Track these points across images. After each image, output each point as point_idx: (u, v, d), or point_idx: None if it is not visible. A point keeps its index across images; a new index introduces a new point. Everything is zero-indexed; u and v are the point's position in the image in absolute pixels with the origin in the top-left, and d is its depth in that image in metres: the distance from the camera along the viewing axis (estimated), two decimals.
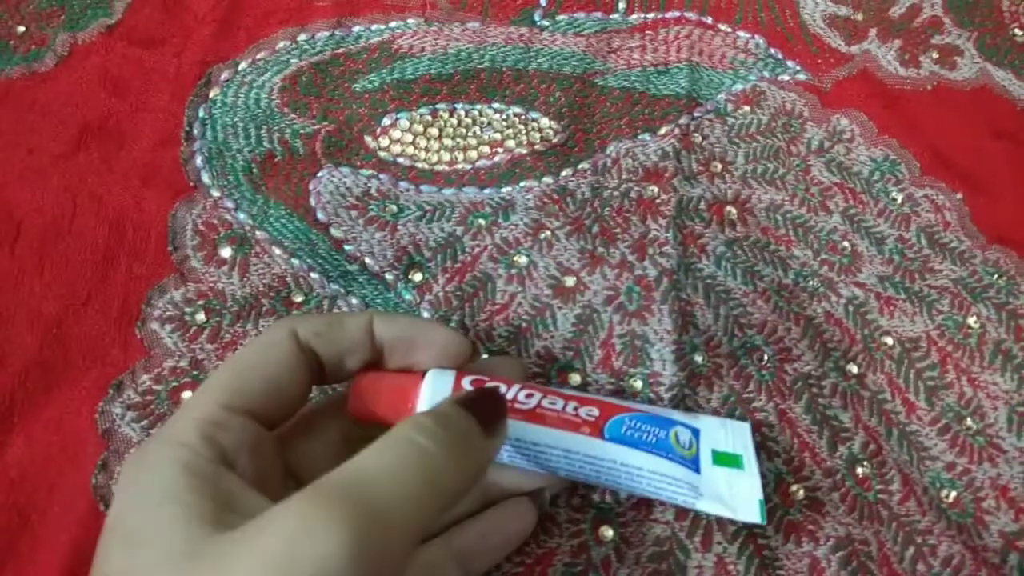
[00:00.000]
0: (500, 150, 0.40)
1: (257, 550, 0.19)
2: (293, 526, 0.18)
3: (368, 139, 0.40)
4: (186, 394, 0.32)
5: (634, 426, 0.28)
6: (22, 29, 0.43)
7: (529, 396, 0.28)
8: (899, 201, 0.39)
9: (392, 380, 0.28)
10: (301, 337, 0.26)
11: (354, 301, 0.35)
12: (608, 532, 0.30)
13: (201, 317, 0.34)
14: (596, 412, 0.28)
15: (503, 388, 0.28)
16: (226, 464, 0.22)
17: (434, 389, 0.28)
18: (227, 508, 0.21)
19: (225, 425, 0.23)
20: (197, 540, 0.20)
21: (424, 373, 0.28)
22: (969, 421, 0.33)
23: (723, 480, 0.28)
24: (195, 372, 0.33)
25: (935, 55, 0.45)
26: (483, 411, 0.24)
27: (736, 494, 0.28)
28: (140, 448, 0.23)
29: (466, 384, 0.28)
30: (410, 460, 0.21)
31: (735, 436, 0.29)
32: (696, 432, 0.29)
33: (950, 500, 0.32)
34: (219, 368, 0.26)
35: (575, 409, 0.28)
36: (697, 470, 0.28)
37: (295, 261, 0.36)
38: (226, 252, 0.36)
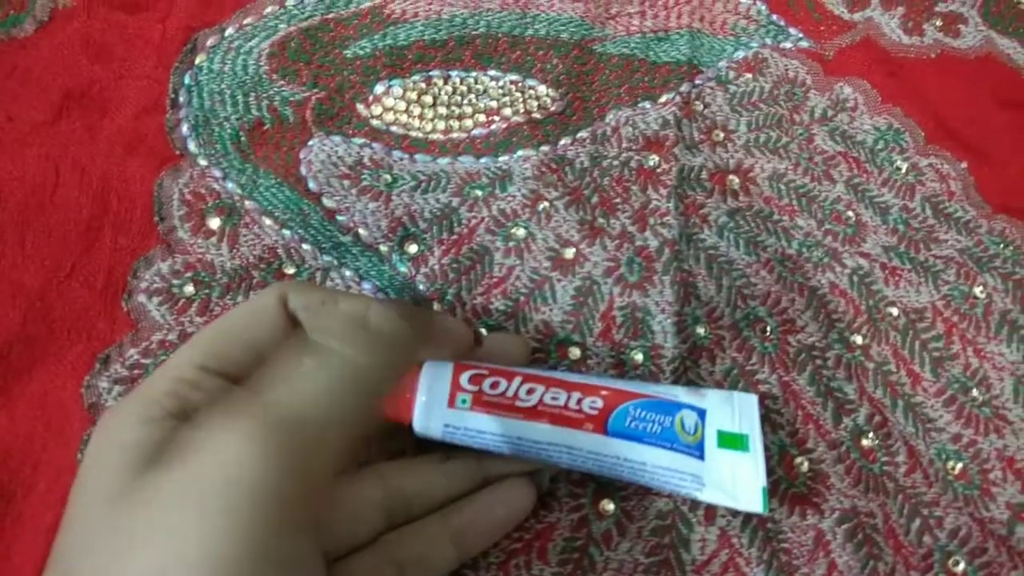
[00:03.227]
0: (496, 118, 0.39)
1: (176, 471, 0.19)
2: (204, 444, 0.19)
3: (360, 107, 0.39)
4: None
5: (638, 416, 0.27)
6: None
7: (530, 392, 0.27)
8: (903, 170, 0.38)
9: None
10: (290, 307, 0.25)
11: (347, 273, 0.34)
12: (609, 506, 0.30)
13: (190, 289, 0.33)
14: (600, 404, 0.27)
15: (503, 383, 0.27)
16: (187, 420, 0.22)
17: (432, 380, 0.27)
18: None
19: (197, 385, 0.22)
20: (135, 480, 0.19)
21: (421, 365, 0.27)
22: (975, 392, 0.33)
23: (727, 466, 0.27)
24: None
25: (939, 23, 0.44)
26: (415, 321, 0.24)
27: (739, 482, 0.27)
28: (114, 406, 0.23)
29: (464, 377, 0.27)
30: (328, 366, 0.21)
31: (742, 412, 0.29)
32: (702, 413, 0.28)
33: (956, 472, 0.31)
34: (203, 329, 0.25)
35: (578, 402, 0.27)
36: (701, 456, 0.27)
37: (286, 232, 0.35)
38: (214, 223, 0.35)
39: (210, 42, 0.40)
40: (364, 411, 0.22)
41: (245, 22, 0.41)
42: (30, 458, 0.29)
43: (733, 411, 0.29)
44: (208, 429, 0.19)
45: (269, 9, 0.41)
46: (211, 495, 0.18)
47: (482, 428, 0.27)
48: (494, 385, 0.27)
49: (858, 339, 0.34)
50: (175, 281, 0.33)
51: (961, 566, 0.29)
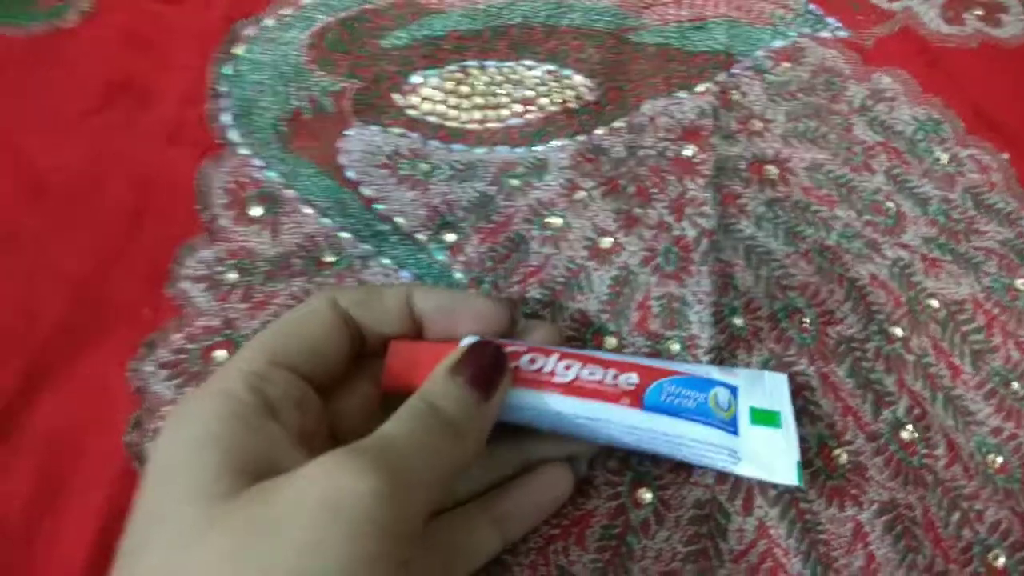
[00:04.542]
0: (532, 108, 0.39)
1: (300, 488, 0.20)
2: (334, 472, 0.20)
3: (397, 97, 0.39)
4: (218, 352, 0.32)
5: (673, 392, 0.28)
6: None
7: (568, 368, 0.28)
8: (944, 161, 0.38)
9: (426, 349, 0.28)
10: (341, 306, 0.26)
11: (385, 261, 0.34)
12: (647, 495, 0.30)
13: (233, 276, 0.33)
14: (635, 380, 0.28)
15: (541, 359, 0.28)
16: (272, 415, 0.23)
17: None
18: (270, 459, 0.21)
19: (271, 378, 0.23)
20: (235, 484, 0.20)
21: (458, 342, 0.28)
22: (1016, 385, 0.32)
23: (761, 441, 0.27)
24: (228, 331, 0.32)
25: (979, 12, 0.43)
26: (480, 380, 0.25)
27: (774, 456, 0.27)
28: (186, 396, 0.24)
29: None
30: (424, 432, 0.23)
31: (773, 389, 0.29)
32: (735, 390, 0.28)
33: (997, 465, 0.31)
34: (262, 331, 0.26)
35: (615, 378, 0.28)
36: (735, 432, 0.27)
37: (326, 220, 0.35)
38: (256, 211, 0.35)
39: (250, 32, 0.40)
40: (459, 457, 0.23)
41: (283, 13, 0.41)
42: (77, 441, 0.30)
43: (764, 389, 0.29)
44: (336, 460, 0.20)
45: (307, 0, 0.42)
46: (337, 517, 0.19)
47: (521, 403, 0.27)
48: (532, 361, 0.28)
49: (898, 331, 0.33)
50: (218, 268, 0.34)
51: (1002, 560, 0.29)
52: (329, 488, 0.20)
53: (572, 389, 0.27)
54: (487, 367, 0.25)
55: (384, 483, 0.20)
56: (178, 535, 0.20)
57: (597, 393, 0.27)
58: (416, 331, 0.28)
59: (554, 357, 0.28)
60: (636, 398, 0.27)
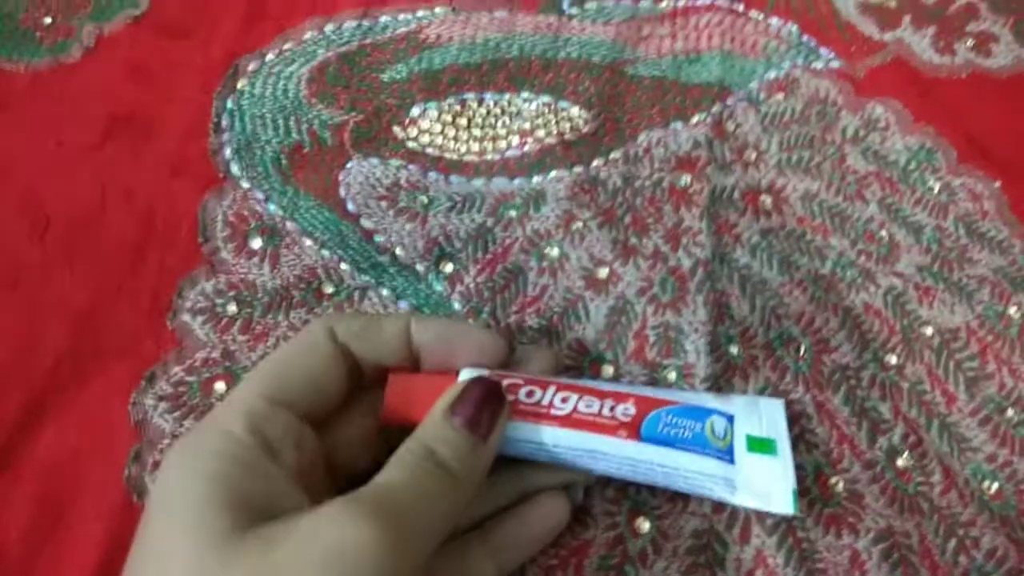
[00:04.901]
0: (530, 140, 0.40)
1: (305, 537, 0.20)
2: (338, 521, 0.21)
3: (397, 129, 0.40)
4: (218, 385, 0.32)
5: (670, 422, 0.28)
6: (49, 20, 0.43)
7: (565, 400, 0.28)
8: (936, 190, 0.38)
9: (424, 382, 0.28)
10: (339, 337, 0.26)
11: (384, 292, 0.35)
12: (645, 525, 0.30)
13: (232, 308, 0.34)
14: (632, 410, 0.28)
15: (539, 392, 0.28)
16: (270, 455, 0.23)
17: None
18: (269, 498, 0.22)
19: (269, 417, 0.24)
20: (237, 521, 0.20)
21: (457, 373, 0.28)
22: (1010, 412, 0.33)
23: (757, 469, 0.28)
24: (227, 363, 0.32)
25: (970, 42, 0.44)
26: (477, 421, 0.25)
27: (770, 484, 0.27)
28: (186, 434, 0.24)
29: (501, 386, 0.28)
30: (425, 482, 0.23)
31: (769, 416, 0.29)
32: (731, 418, 0.29)
33: (992, 492, 0.31)
34: (259, 364, 0.26)
35: (611, 409, 0.28)
36: (732, 460, 0.28)
37: (325, 252, 0.35)
38: (256, 243, 0.35)
39: (251, 67, 0.41)
40: (457, 500, 0.24)
41: (285, 47, 0.42)
42: (78, 472, 0.30)
43: (760, 416, 0.29)
44: (340, 509, 0.21)
45: (308, 35, 0.42)
46: (341, 568, 0.20)
47: (519, 436, 0.27)
48: (530, 394, 0.28)
49: (892, 359, 0.34)
50: (218, 300, 0.34)
51: None
52: (333, 538, 0.20)
53: (569, 422, 0.27)
54: (484, 407, 0.25)
55: (386, 532, 0.20)
56: (181, 572, 0.20)
57: (594, 425, 0.27)
58: (414, 362, 0.28)
59: (551, 389, 0.28)
60: (633, 429, 0.27)
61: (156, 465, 0.30)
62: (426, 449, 0.24)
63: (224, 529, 0.20)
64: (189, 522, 0.21)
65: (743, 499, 0.27)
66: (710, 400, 0.29)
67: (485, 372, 0.28)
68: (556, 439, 0.27)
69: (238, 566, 0.20)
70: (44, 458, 0.31)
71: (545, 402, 0.28)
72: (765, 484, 0.27)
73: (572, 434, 0.27)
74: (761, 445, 0.28)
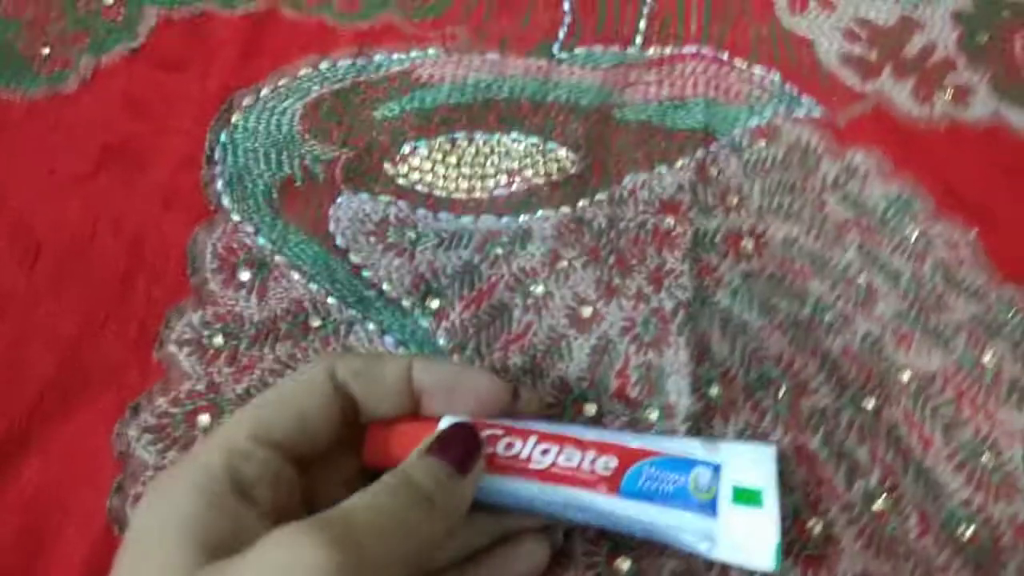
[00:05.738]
0: (518, 179, 0.40)
1: (251, 567, 0.20)
2: (284, 545, 0.20)
3: (387, 166, 0.40)
4: (202, 417, 0.32)
5: (652, 475, 0.28)
6: (47, 51, 0.44)
7: (544, 453, 0.28)
8: (913, 238, 0.39)
9: (405, 428, 0.28)
10: (339, 377, 0.26)
11: (371, 326, 0.35)
12: (624, 564, 0.30)
13: (219, 340, 0.34)
14: (614, 463, 0.28)
15: (518, 444, 0.28)
16: (243, 495, 0.23)
17: None
18: (237, 538, 0.21)
19: (249, 456, 0.24)
20: (200, 563, 0.20)
21: (438, 420, 0.28)
22: (986, 457, 0.33)
23: (740, 523, 0.28)
24: (212, 395, 0.33)
25: (948, 94, 0.45)
26: (455, 454, 0.25)
27: (751, 539, 0.28)
28: (165, 470, 0.24)
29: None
30: (388, 504, 0.23)
31: (758, 464, 0.29)
32: (717, 468, 0.29)
33: (968, 536, 0.31)
34: (254, 399, 0.26)
35: (592, 462, 0.28)
36: (714, 513, 0.28)
37: (313, 286, 0.36)
38: (245, 275, 0.36)
39: (246, 102, 0.42)
40: (431, 530, 0.23)
41: (280, 83, 0.43)
42: (61, 502, 0.30)
43: (749, 464, 0.29)
44: (288, 533, 0.20)
45: (303, 71, 0.43)
46: None
47: (497, 488, 0.28)
48: (508, 446, 0.28)
49: (870, 403, 0.34)
50: (205, 332, 0.34)
51: None
52: (282, 563, 0.20)
53: (548, 476, 0.28)
54: (463, 445, 0.26)
55: (341, 554, 0.20)
56: None
57: (573, 480, 0.28)
58: (414, 405, 0.28)
59: (532, 440, 0.28)
60: (613, 484, 0.28)
61: (137, 497, 0.30)
62: (402, 475, 0.24)
63: (187, 567, 0.20)
64: (156, 564, 0.21)
65: (723, 554, 0.28)
66: (698, 449, 0.29)
67: (467, 419, 0.28)
68: (533, 494, 0.27)
69: None
70: (28, 487, 0.31)
71: (524, 455, 0.28)
72: (747, 538, 0.28)
73: (550, 489, 0.27)
74: (747, 496, 0.28)
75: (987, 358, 0.36)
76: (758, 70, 0.45)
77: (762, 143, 0.42)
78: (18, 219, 0.37)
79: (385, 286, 0.36)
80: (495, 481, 0.27)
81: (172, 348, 0.34)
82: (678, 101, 0.43)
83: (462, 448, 0.26)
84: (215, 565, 0.20)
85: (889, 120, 0.44)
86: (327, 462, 0.27)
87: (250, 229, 0.37)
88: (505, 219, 0.39)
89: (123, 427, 0.32)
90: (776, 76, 0.45)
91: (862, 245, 0.39)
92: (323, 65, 0.44)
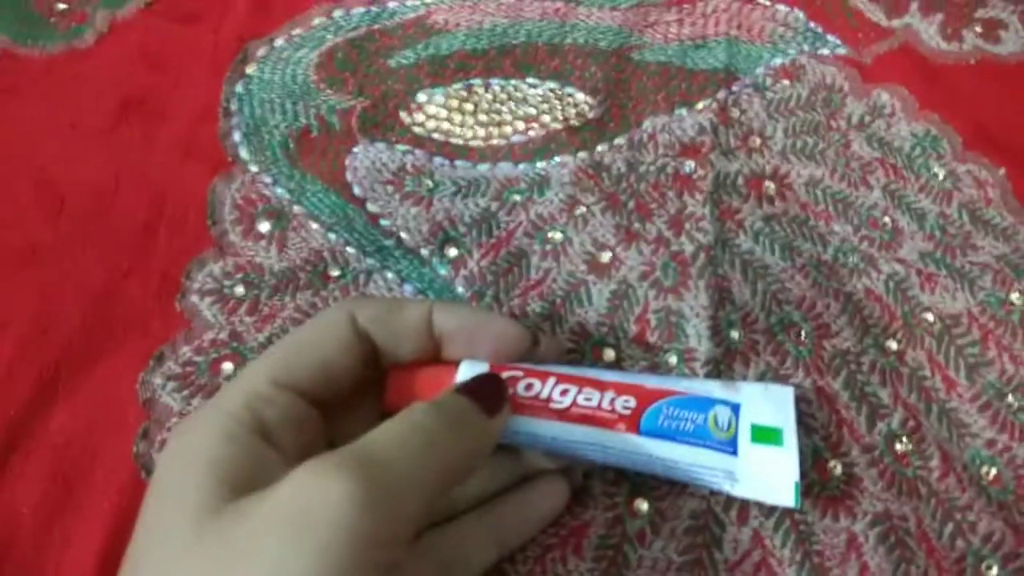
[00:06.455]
0: (535, 125, 0.40)
1: (272, 503, 0.20)
2: (305, 482, 0.20)
3: (403, 115, 0.40)
4: (226, 365, 0.33)
5: (671, 414, 0.28)
6: (63, 6, 0.44)
7: (564, 393, 0.28)
8: (941, 176, 0.38)
9: (426, 372, 0.28)
10: (359, 322, 0.27)
11: (389, 275, 0.35)
12: (643, 505, 0.30)
13: (240, 290, 0.34)
14: (633, 403, 0.28)
15: (538, 384, 0.28)
16: (266, 437, 0.23)
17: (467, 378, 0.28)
18: (261, 478, 0.22)
19: (271, 400, 0.24)
20: (222, 501, 0.21)
21: (458, 363, 0.28)
22: (1011, 398, 0.33)
23: (760, 461, 0.28)
24: (234, 344, 0.33)
25: (979, 29, 0.44)
26: (484, 396, 0.25)
27: (772, 477, 0.28)
28: (190, 415, 0.24)
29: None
30: (412, 435, 0.22)
31: (777, 405, 0.29)
32: (736, 408, 0.29)
33: (991, 477, 0.31)
34: (275, 344, 0.26)
35: (611, 402, 0.28)
36: (734, 452, 0.28)
37: (332, 235, 0.36)
38: (264, 226, 0.36)
39: (260, 52, 0.41)
40: (456, 460, 0.23)
41: (294, 33, 0.42)
42: (89, 449, 0.31)
43: (767, 404, 0.29)
44: (308, 469, 0.20)
45: (317, 20, 0.43)
46: (306, 530, 0.19)
47: (517, 428, 0.28)
48: (528, 387, 0.28)
49: (893, 344, 0.34)
50: (226, 282, 0.34)
51: (994, 571, 0.29)
52: (300, 499, 0.20)
53: (568, 415, 0.28)
54: (491, 391, 0.26)
55: (360, 487, 0.19)
56: (170, 551, 0.20)
57: (593, 419, 0.28)
58: (435, 350, 0.28)
59: (551, 382, 0.28)
60: (632, 423, 0.28)
61: (163, 443, 0.31)
62: (432, 404, 0.24)
63: (211, 508, 0.20)
64: (180, 503, 0.21)
65: (744, 491, 0.28)
66: (716, 389, 0.29)
67: (486, 365, 0.28)
68: (554, 432, 0.28)
69: (212, 541, 0.20)
70: (56, 436, 0.31)
71: (544, 395, 0.28)
72: (768, 476, 0.28)
73: (570, 427, 0.28)
74: (767, 435, 0.28)
75: (1014, 297, 0.35)
76: (781, 8, 0.44)
77: (786, 82, 0.41)
78: (41, 174, 0.38)
79: (403, 235, 0.36)
80: (515, 421, 0.28)
81: (194, 298, 0.34)
82: (699, 41, 0.42)
83: (491, 391, 0.26)
84: (235, 504, 0.20)
85: (917, 56, 0.43)
86: (349, 406, 0.27)
87: (268, 180, 0.37)
88: (522, 166, 0.39)
89: (148, 375, 0.32)
90: (800, 13, 0.44)
91: (887, 185, 0.38)
92: (337, 13, 0.43)
